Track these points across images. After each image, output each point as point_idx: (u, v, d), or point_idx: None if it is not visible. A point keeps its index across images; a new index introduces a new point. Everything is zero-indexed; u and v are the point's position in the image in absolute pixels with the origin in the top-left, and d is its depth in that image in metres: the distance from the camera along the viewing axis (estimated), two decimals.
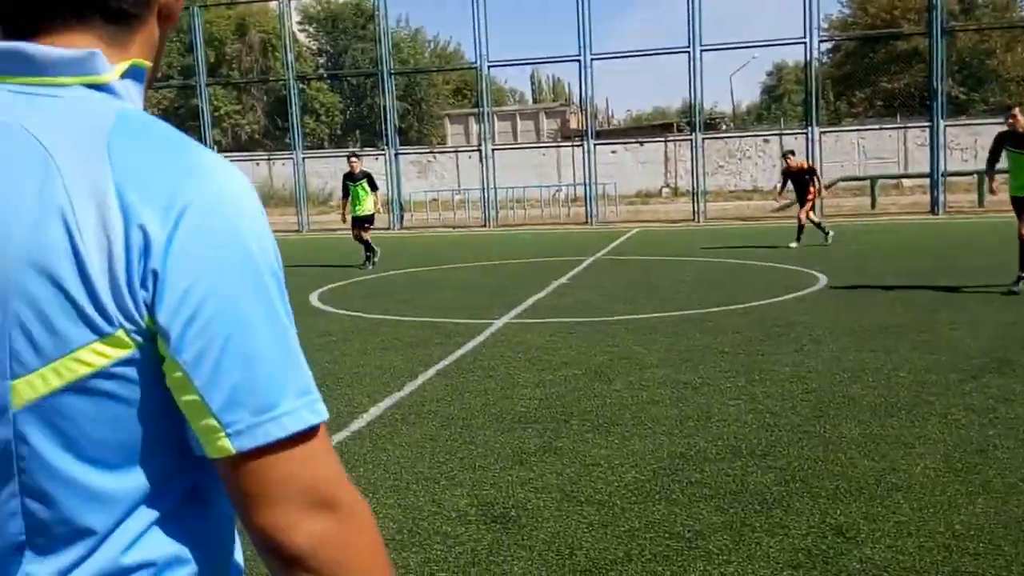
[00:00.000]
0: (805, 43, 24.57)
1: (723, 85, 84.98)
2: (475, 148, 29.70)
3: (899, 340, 7.55)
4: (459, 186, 33.35)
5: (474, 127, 50.02)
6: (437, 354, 7.71)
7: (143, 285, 0.81)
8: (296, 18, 58.23)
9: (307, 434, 0.86)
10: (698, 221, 24.85)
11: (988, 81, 45.77)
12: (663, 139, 39.31)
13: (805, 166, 17.56)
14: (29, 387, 0.82)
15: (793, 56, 64.49)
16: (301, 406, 0.86)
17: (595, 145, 26.54)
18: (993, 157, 10.38)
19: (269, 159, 39.61)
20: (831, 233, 16.67)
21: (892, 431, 5.10)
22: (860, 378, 6.37)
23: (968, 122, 31.78)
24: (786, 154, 17.68)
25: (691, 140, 26.06)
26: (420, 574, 3.51)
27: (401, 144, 30.42)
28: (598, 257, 16.27)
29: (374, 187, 16.30)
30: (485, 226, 26.68)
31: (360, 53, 54.58)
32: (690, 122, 26.47)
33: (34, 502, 0.85)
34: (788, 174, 17.35)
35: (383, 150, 28.18)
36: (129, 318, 0.81)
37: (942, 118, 23.48)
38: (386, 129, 27.45)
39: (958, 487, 4.21)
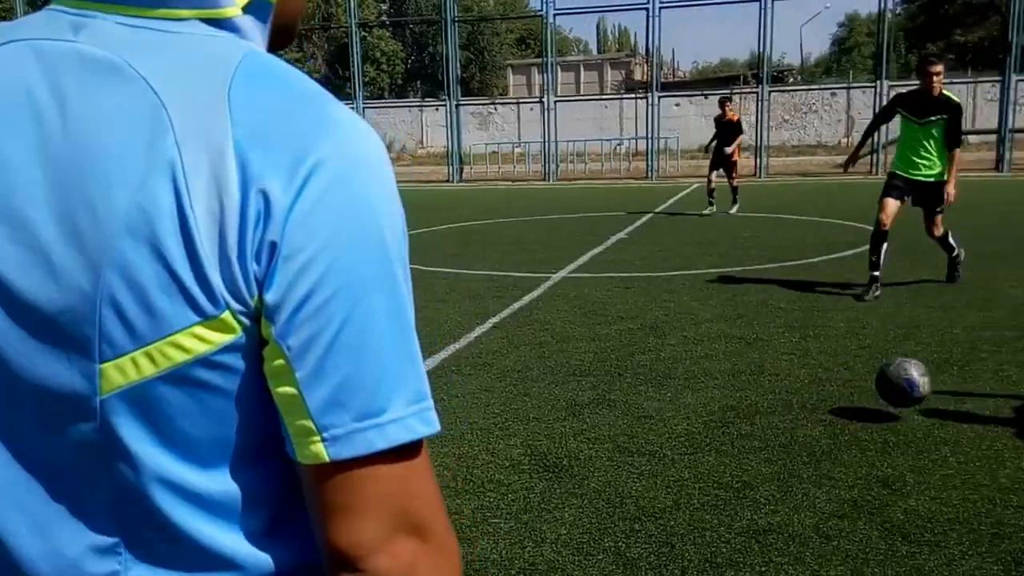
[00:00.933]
0: None
1: (793, 36, 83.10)
2: (537, 100, 29.61)
3: (957, 297, 7.50)
4: (519, 138, 33.32)
5: (537, 78, 49.72)
6: (493, 307, 7.84)
7: (257, 259, 0.68)
8: None
9: (412, 447, 0.73)
10: (759, 176, 24.53)
11: None
12: (729, 91, 38.68)
13: (737, 119, 15.37)
14: (119, 372, 0.70)
15: (866, 7, 62.71)
16: (411, 414, 0.73)
17: (659, 98, 26.28)
18: None
19: None
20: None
21: (943, 386, 5.11)
22: (914, 334, 6.37)
23: None
24: (725, 100, 15.47)
25: (757, 93, 25.67)
26: (474, 520, 3.66)
27: (462, 95, 30.45)
28: (657, 212, 16.25)
29: None
30: (545, 180, 26.67)
31: (424, 0, 54.46)
32: (756, 74, 26.05)
33: (126, 501, 0.74)
34: (720, 125, 15.19)
35: (444, 101, 28.21)
36: (238, 297, 0.69)
37: (1014, 72, 22.78)
38: (448, 79, 27.46)
39: (1005, 441, 4.24)
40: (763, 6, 24.35)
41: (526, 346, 6.46)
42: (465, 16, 41.91)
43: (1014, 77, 22.67)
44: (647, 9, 25.29)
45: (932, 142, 7.52)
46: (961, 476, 3.87)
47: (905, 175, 7.66)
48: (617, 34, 79.39)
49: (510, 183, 26.73)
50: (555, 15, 27.13)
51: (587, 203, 18.60)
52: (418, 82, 55.42)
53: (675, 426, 4.67)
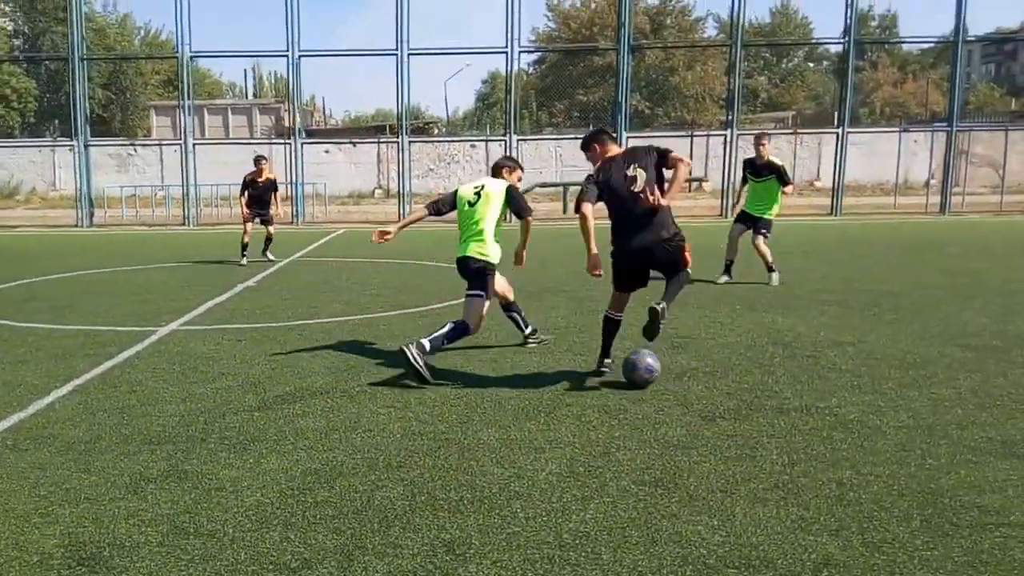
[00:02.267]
0: (506, 53, 25.23)
1: (440, 90, 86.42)
2: (178, 142, 27.97)
3: (557, 341, 7.71)
4: (163, 182, 31.31)
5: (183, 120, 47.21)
6: (81, 367, 6.91)
7: None
8: None
9: None
10: None
11: (670, 97, 49.52)
12: (375, 140, 39.08)
13: (273, 178, 14.87)
14: None
15: (504, 66, 66.27)
16: None
17: (303, 144, 25.86)
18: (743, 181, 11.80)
19: None
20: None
21: (528, 435, 5.10)
22: (511, 380, 6.39)
23: (651, 134, 34.12)
24: (259, 159, 14.70)
25: (399, 143, 26.04)
26: None
27: (104, 135, 28.07)
28: (295, 258, 15.67)
29: None
30: (185, 224, 25.19)
31: (61, 37, 49.75)
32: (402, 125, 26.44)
33: None
34: (254, 185, 14.62)
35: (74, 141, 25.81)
36: None
37: (626, 130, 25.02)
38: (76, 118, 25.17)
39: (575, 492, 4.21)
40: (399, 59, 24.83)
41: (105, 412, 5.68)
42: (96, 55, 38.74)
43: (626, 134, 24.84)
44: (287, 56, 24.88)
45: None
46: (527, 533, 3.74)
47: None
48: (274, 81, 77.97)
49: (147, 228, 24.91)
50: (192, 56, 25.96)
51: (225, 249, 17.62)
52: (56, 121, 50.49)
53: (247, 498, 4.19)
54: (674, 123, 46.31)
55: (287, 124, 46.05)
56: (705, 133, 32.90)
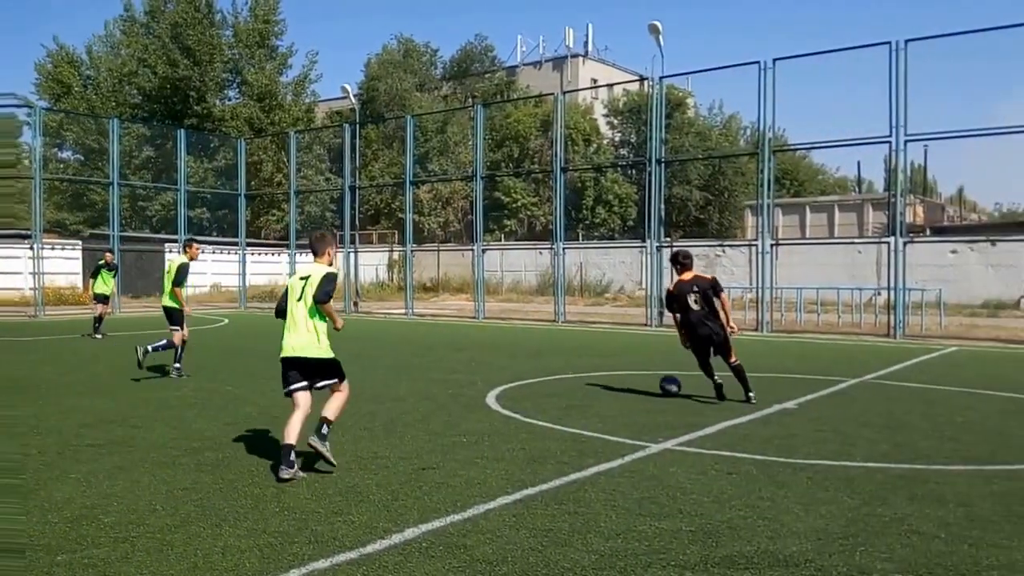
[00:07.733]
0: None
1: None
2: (754, 242, 28.18)
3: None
4: (752, 283, 31.24)
5: (781, 219, 48.04)
6: (545, 475, 6.99)
7: None
8: (602, 111, 60.19)
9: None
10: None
11: None
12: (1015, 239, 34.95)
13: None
14: None
15: None
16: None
17: (905, 243, 23.11)
18: None
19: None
20: None
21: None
22: None
23: None
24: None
25: None
26: None
27: (700, 236, 29.31)
28: (866, 379, 13.86)
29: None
30: (758, 331, 24.30)
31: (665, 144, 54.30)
32: None
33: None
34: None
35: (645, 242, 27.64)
36: None
37: None
38: (648, 220, 26.98)
39: None
40: None
41: (528, 532, 5.52)
42: (672, 157, 41.16)
43: None
44: (889, 142, 23.39)
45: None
46: None
47: None
48: (911, 171, 75.03)
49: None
50: (773, 151, 26.16)
51: (788, 360, 16.95)
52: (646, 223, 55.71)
53: None
54: None
55: (910, 219, 43.86)
56: None
